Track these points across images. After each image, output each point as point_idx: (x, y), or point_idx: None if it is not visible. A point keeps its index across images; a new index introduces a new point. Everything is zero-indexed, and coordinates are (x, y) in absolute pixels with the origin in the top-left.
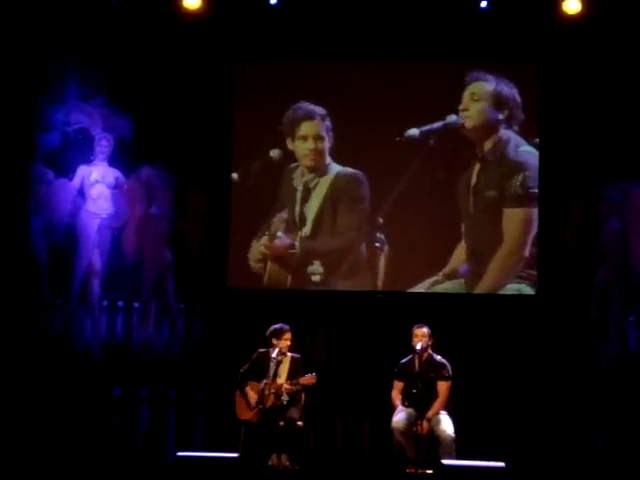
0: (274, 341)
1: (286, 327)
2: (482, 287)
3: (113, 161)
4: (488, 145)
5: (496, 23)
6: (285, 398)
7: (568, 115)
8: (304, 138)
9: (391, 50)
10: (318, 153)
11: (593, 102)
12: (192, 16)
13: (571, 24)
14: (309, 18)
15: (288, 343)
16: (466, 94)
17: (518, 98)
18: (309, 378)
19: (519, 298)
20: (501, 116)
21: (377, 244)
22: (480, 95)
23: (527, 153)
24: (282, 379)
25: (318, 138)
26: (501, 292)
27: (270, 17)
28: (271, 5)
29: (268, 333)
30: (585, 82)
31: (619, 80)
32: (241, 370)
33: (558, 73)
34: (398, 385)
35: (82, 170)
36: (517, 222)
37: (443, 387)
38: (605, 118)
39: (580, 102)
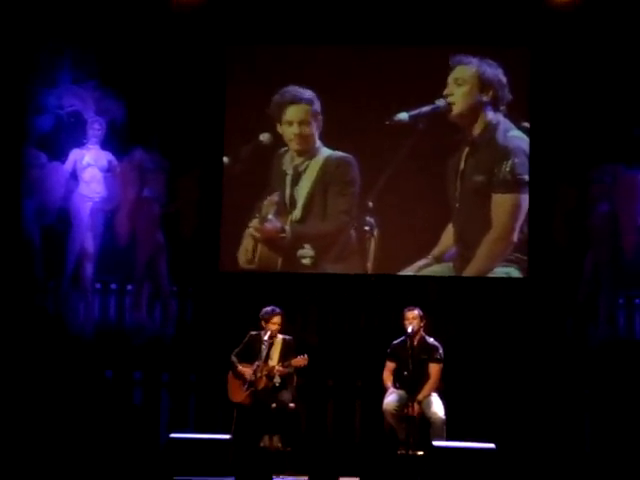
0: (263, 324)
1: (277, 310)
2: (470, 271)
3: (106, 144)
4: (477, 129)
5: (486, 6)
6: (277, 380)
7: (557, 98)
8: (289, 123)
9: (382, 34)
10: (304, 138)
11: (582, 85)
12: (184, 0)
13: (561, 7)
14: (301, 2)
15: (277, 327)
16: (450, 79)
17: (503, 79)
18: (300, 360)
19: (510, 281)
20: (485, 98)
21: (367, 227)
22: (464, 79)
23: (516, 138)
24: (274, 361)
25: (303, 123)
26: (489, 275)
27: (262, 1)
28: None
29: (260, 315)
30: (574, 65)
31: (608, 63)
32: (233, 353)
33: (547, 56)
34: (390, 366)
35: (75, 153)
36: (506, 208)
37: (434, 369)
38: (594, 101)
39: (569, 85)
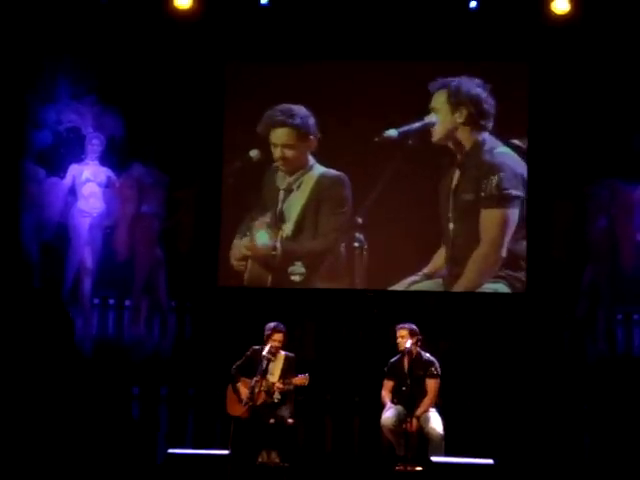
0: (265, 339)
1: (279, 327)
2: (459, 287)
3: (104, 160)
4: (464, 148)
5: (485, 23)
6: (277, 396)
7: (554, 113)
8: (274, 145)
9: (377, 50)
10: (287, 160)
11: (579, 100)
12: (183, 16)
13: (558, 23)
14: (300, 18)
15: (276, 344)
16: (434, 101)
17: (483, 94)
18: (302, 379)
19: (508, 296)
20: (460, 119)
21: (356, 244)
22: (437, 108)
23: (503, 154)
24: (275, 377)
25: (287, 146)
26: (479, 291)
27: (261, 17)
28: (262, 5)
29: (264, 330)
30: (572, 82)
31: (605, 78)
32: (234, 365)
33: (545, 73)
34: (388, 384)
35: (73, 169)
36: (494, 223)
37: (432, 385)
38: (591, 116)
39: (566, 100)
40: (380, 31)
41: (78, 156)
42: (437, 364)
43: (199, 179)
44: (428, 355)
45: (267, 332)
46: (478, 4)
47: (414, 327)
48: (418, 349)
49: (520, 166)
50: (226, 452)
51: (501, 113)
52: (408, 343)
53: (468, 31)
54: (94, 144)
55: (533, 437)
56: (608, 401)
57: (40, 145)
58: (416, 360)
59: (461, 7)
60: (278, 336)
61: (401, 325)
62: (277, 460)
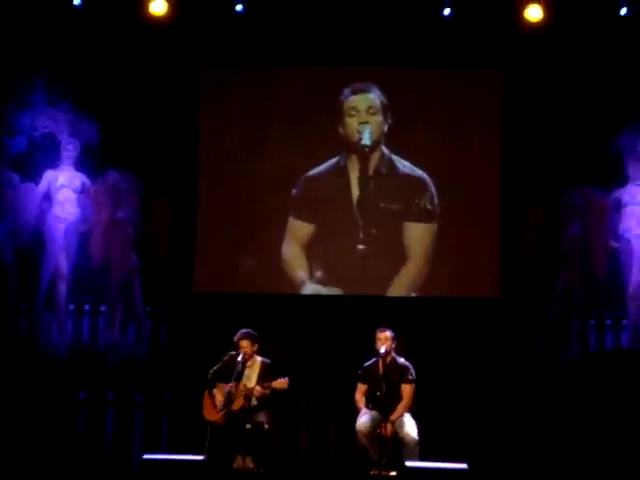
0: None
1: (244, 334)
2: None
3: (79, 166)
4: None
5: (458, 30)
6: (254, 402)
7: (528, 119)
8: None
9: (356, 56)
10: None
11: (552, 107)
12: (158, 22)
13: (532, 30)
14: (275, 25)
15: (247, 350)
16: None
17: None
18: (281, 382)
19: (481, 301)
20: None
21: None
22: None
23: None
24: (252, 383)
25: None
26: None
27: (236, 24)
28: (237, 12)
29: None
30: (546, 88)
31: (579, 86)
32: (211, 370)
33: (519, 79)
34: (362, 388)
35: (48, 174)
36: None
37: (407, 390)
38: (564, 123)
39: (540, 107)
40: (355, 38)
41: (53, 162)
42: (412, 369)
43: (174, 185)
44: (403, 360)
45: (235, 339)
46: (452, 11)
47: (392, 332)
48: (393, 354)
49: None
50: (201, 457)
51: (474, 119)
52: (383, 349)
53: (442, 38)
54: (69, 150)
55: (507, 441)
56: (580, 405)
57: (15, 151)
58: (391, 365)
59: (435, 14)
60: (244, 343)
61: (382, 328)
62: (252, 465)
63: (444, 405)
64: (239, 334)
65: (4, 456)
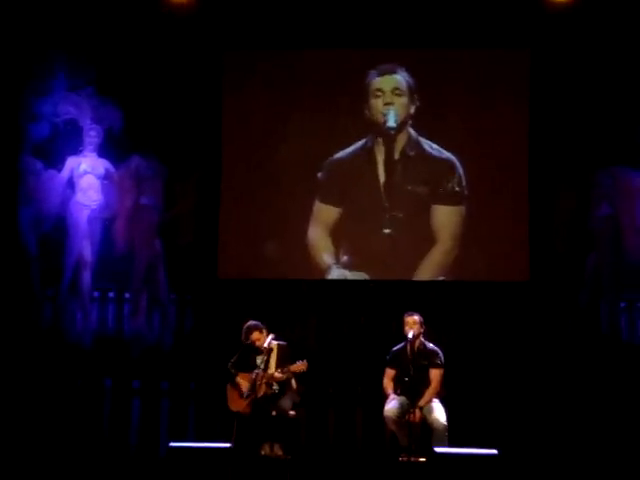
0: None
1: (251, 328)
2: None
3: (102, 152)
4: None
5: (485, 9)
6: (276, 387)
7: (557, 100)
8: None
9: (381, 37)
10: None
11: (581, 87)
12: (181, 5)
13: (561, 8)
14: (300, 7)
15: (259, 342)
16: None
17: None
18: (300, 365)
19: (511, 285)
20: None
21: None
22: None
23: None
24: (272, 369)
25: None
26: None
27: (260, 6)
28: None
29: None
30: (575, 69)
31: (609, 66)
32: (230, 362)
33: (547, 60)
34: (390, 373)
35: (71, 161)
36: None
37: (435, 375)
38: (594, 103)
39: (569, 87)
40: (381, 19)
41: (76, 148)
42: (441, 354)
43: (198, 170)
44: (432, 345)
45: (244, 340)
46: None
47: (420, 317)
48: (422, 338)
49: None
50: (228, 445)
51: (502, 100)
52: (410, 333)
53: (468, 18)
54: (92, 136)
55: (537, 427)
56: (611, 390)
57: (37, 138)
58: (420, 349)
59: None
60: (255, 335)
61: (410, 312)
62: (280, 453)
63: (473, 391)
64: (244, 333)
65: (31, 444)
